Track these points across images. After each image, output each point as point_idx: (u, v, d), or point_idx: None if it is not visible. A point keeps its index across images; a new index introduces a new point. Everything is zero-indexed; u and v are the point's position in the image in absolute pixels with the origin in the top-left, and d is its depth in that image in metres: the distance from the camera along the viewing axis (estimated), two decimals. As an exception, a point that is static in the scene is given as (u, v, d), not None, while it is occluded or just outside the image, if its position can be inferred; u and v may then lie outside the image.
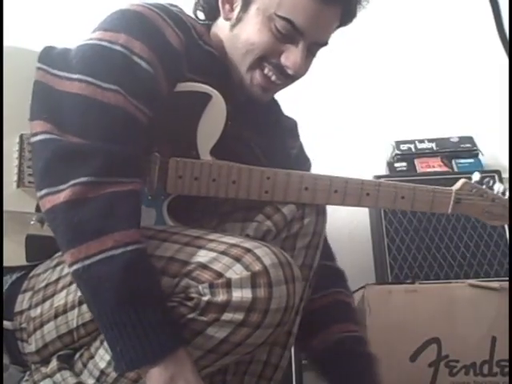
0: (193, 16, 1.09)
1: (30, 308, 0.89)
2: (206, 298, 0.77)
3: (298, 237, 0.98)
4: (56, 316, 0.86)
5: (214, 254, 0.80)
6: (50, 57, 0.89)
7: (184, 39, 0.94)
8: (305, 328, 1.05)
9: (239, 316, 0.77)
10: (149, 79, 0.88)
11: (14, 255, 0.91)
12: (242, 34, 0.99)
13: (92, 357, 0.85)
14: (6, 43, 0.96)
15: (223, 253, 0.80)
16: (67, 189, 0.76)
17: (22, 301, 0.91)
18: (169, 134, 0.95)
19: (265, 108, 1.11)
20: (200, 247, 0.82)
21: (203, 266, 0.79)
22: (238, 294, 0.77)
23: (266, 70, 1.00)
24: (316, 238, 1.00)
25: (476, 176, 1.09)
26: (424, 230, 1.69)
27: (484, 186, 1.08)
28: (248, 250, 0.80)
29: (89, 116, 0.82)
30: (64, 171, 0.78)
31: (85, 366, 0.84)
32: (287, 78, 1.01)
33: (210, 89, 0.95)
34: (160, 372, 0.75)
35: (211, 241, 0.84)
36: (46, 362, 0.88)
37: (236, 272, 0.78)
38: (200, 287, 0.78)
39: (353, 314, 1.17)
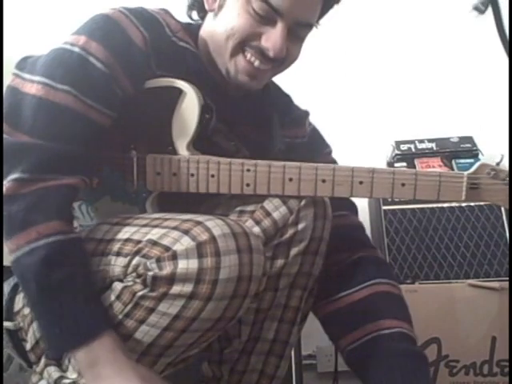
0: (185, 17, 1.09)
1: (23, 307, 0.90)
2: (151, 273, 0.78)
3: (291, 243, 0.94)
4: None
5: (165, 230, 0.81)
6: (24, 63, 0.92)
7: (151, 38, 0.95)
8: (338, 326, 1.03)
9: (188, 288, 0.77)
10: (104, 79, 0.89)
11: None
12: (222, 20, 0.99)
13: None
14: (9, 48, 0.98)
15: (174, 228, 0.81)
16: (5, 185, 0.81)
17: (19, 301, 0.91)
18: (145, 131, 0.96)
19: (255, 102, 1.09)
20: (155, 226, 0.83)
21: (153, 243, 0.80)
22: (183, 266, 0.77)
23: (248, 56, 0.97)
24: (314, 243, 0.96)
25: (497, 157, 0.96)
26: (424, 230, 1.69)
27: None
28: (198, 223, 0.80)
29: (39, 115, 0.85)
30: (6, 168, 0.82)
31: (70, 361, 0.85)
32: (271, 61, 0.98)
33: (181, 82, 0.94)
34: (84, 355, 0.77)
35: (167, 219, 0.84)
36: (40, 360, 0.89)
37: (183, 244, 0.78)
38: (148, 263, 0.79)
39: (393, 306, 1.04)
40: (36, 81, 0.87)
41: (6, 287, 0.93)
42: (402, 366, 0.96)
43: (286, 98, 1.20)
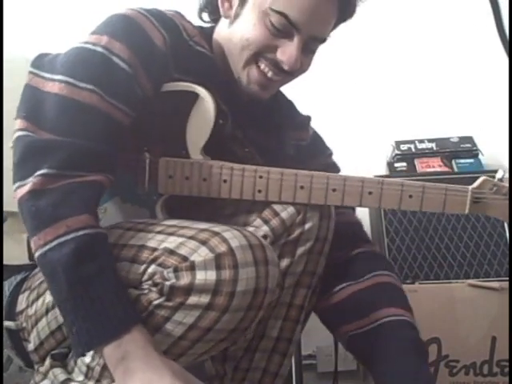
0: (196, 19, 1.09)
1: (27, 307, 0.90)
2: (169, 283, 0.78)
3: (298, 242, 0.96)
4: (47, 312, 0.87)
5: (181, 239, 0.81)
6: (41, 61, 0.92)
7: (170, 40, 0.95)
8: (340, 315, 1.03)
9: (205, 299, 0.77)
10: (127, 79, 0.89)
11: (16, 254, 0.92)
12: (238, 30, 0.99)
13: None
14: (13, 51, 0.98)
15: (191, 237, 0.80)
16: (31, 180, 0.80)
17: (22, 301, 0.91)
18: (159, 133, 0.96)
19: (264, 107, 1.10)
20: (171, 234, 0.83)
21: (170, 252, 0.80)
22: (201, 277, 0.77)
23: (262, 66, 0.99)
24: (319, 243, 0.98)
25: (500, 173, 1.02)
26: (424, 230, 1.69)
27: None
28: (216, 234, 0.80)
29: (63, 114, 0.85)
30: (32, 165, 0.81)
31: (76, 363, 0.85)
32: (284, 73, 0.99)
33: (197, 87, 0.94)
34: (112, 351, 0.76)
35: (183, 227, 0.84)
36: (44, 361, 0.89)
37: (200, 254, 0.78)
38: (165, 272, 0.78)
39: (397, 296, 1.06)
40: (58, 79, 0.86)
41: (7, 286, 0.93)
42: (408, 353, 0.98)
43: (289, 103, 1.21)
